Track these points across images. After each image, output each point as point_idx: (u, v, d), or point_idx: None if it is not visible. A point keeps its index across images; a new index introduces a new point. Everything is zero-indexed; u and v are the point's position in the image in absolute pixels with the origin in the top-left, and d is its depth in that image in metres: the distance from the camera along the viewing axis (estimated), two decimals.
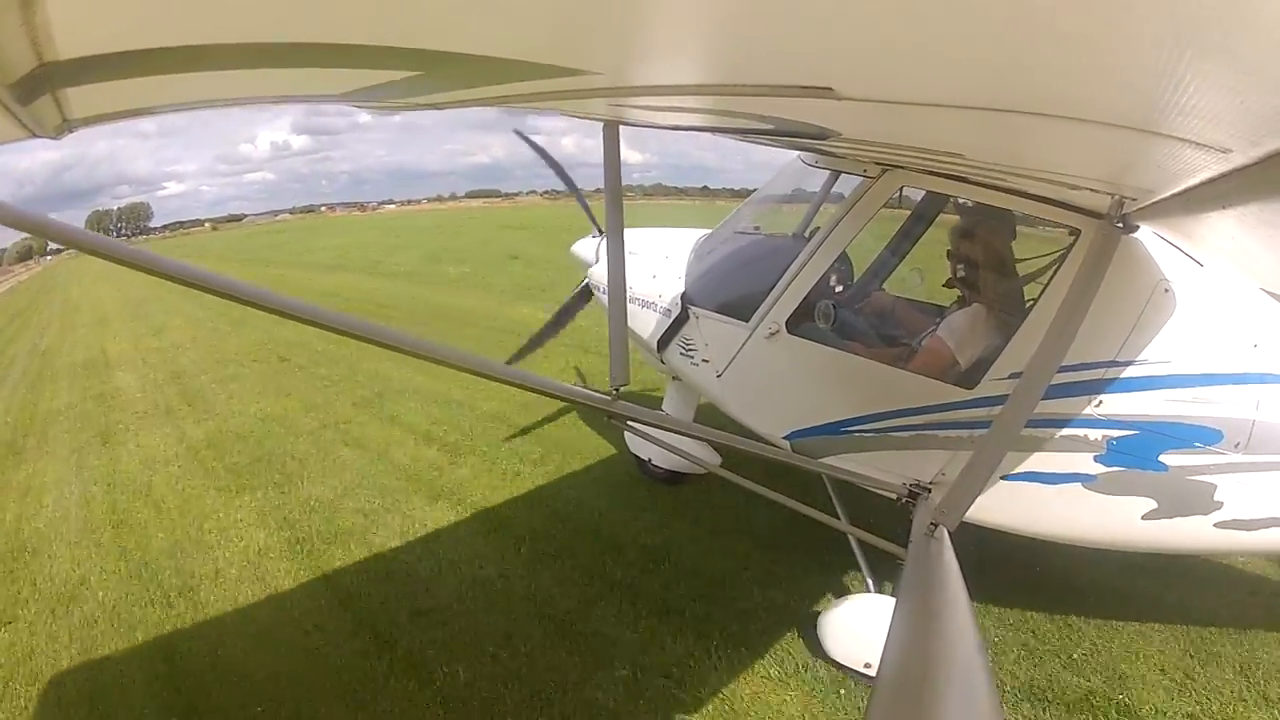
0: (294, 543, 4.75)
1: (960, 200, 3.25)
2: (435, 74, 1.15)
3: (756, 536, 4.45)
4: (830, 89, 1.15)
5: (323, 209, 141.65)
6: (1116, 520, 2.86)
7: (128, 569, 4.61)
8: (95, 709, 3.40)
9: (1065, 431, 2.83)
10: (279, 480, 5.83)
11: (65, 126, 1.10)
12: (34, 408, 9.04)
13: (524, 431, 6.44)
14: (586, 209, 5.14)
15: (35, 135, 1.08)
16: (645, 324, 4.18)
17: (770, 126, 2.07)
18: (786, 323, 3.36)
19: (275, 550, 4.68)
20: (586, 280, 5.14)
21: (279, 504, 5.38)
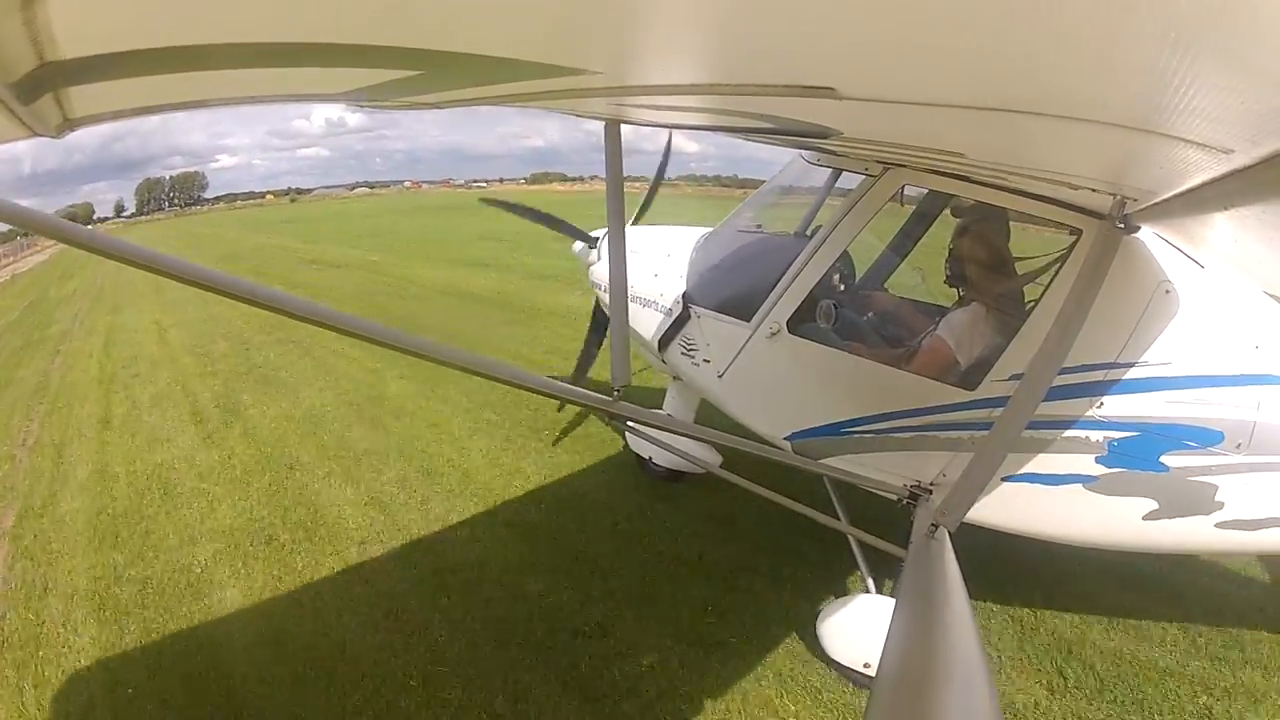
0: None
1: (961, 198, 3.25)
2: (436, 73, 1.15)
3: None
4: (832, 89, 1.15)
5: (406, 184, 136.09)
6: (1118, 521, 2.86)
7: None
8: None
9: (1066, 433, 2.83)
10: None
11: (66, 125, 1.10)
12: None
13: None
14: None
15: (36, 134, 1.08)
16: (646, 323, 4.18)
17: (772, 125, 2.06)
18: (788, 322, 3.36)
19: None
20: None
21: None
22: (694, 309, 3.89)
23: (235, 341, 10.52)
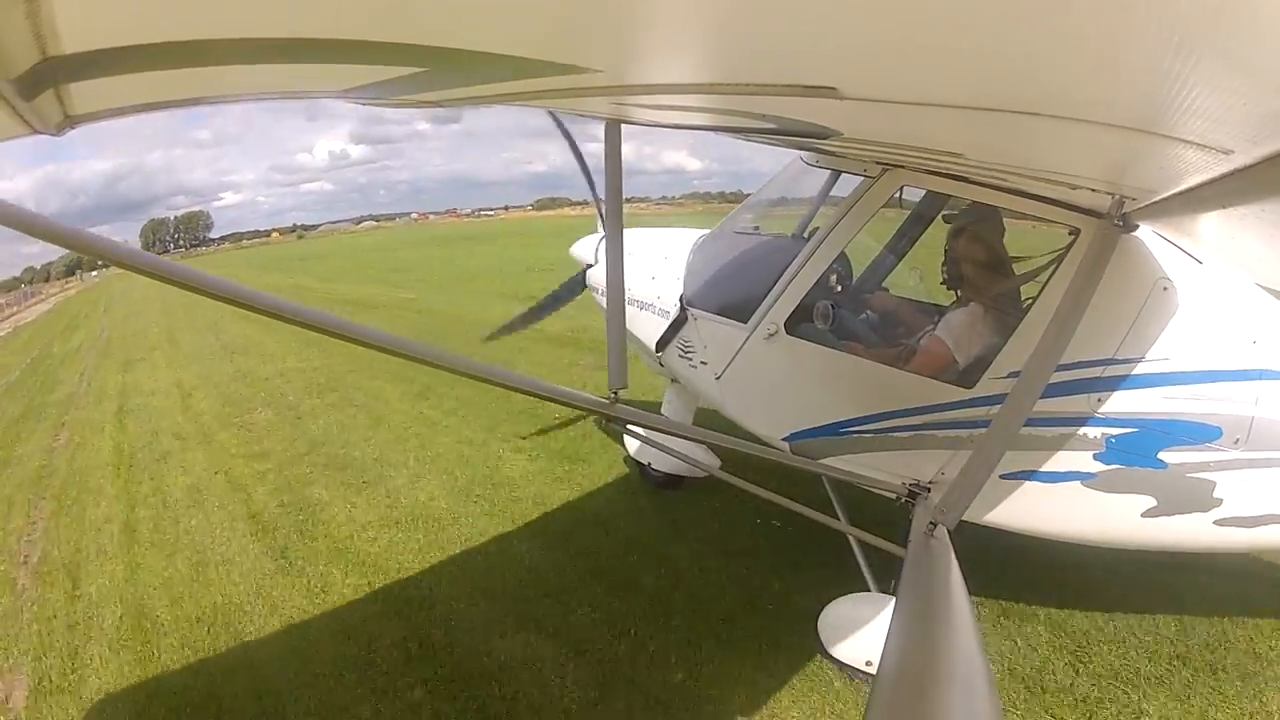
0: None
1: (958, 199, 3.26)
2: (438, 71, 1.15)
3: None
4: (834, 89, 1.16)
5: (413, 216, 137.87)
6: (1116, 518, 2.87)
7: None
8: None
9: (1064, 430, 2.84)
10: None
11: (67, 123, 1.10)
12: None
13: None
14: (599, 206, 5.01)
15: (37, 131, 1.08)
16: (644, 326, 4.18)
17: (772, 126, 2.07)
18: (785, 323, 3.36)
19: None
20: (584, 268, 5.11)
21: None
22: (691, 311, 3.89)
23: (280, 407, 8.35)
